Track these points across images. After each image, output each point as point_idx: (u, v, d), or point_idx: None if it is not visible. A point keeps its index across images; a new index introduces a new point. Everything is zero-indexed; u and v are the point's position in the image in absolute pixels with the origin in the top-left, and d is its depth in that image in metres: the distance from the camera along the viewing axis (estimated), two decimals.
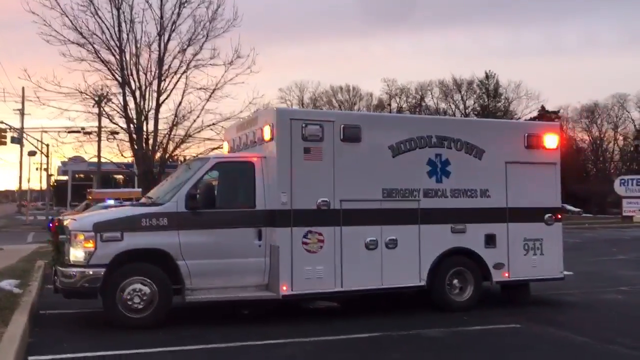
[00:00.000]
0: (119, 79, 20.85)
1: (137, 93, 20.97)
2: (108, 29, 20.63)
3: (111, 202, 19.63)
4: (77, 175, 62.05)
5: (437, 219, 9.63)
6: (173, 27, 21.08)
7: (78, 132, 27.33)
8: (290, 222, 8.80)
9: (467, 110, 71.22)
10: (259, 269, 8.84)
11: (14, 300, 9.23)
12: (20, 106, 48.30)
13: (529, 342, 7.91)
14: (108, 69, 20.81)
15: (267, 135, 9.12)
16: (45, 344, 7.40)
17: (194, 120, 21.57)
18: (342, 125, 9.25)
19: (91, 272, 8.15)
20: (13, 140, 42.32)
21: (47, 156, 46.08)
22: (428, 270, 9.52)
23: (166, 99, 21.34)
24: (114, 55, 20.78)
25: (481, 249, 9.87)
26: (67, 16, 20.13)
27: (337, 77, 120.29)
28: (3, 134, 39.40)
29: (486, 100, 71.72)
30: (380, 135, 9.54)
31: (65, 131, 26.95)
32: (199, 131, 21.95)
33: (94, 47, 20.53)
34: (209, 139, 22.76)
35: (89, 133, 28.89)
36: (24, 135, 43.14)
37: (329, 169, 9.09)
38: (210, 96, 21.29)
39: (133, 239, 8.34)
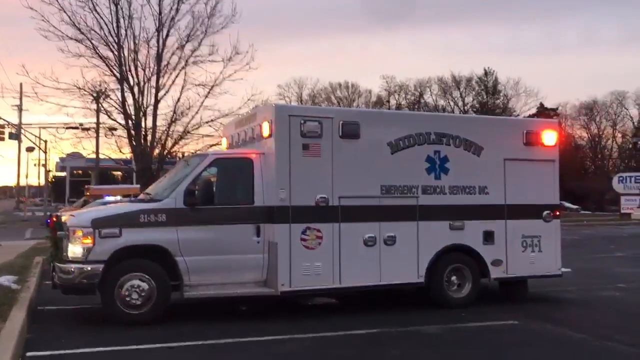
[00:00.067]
0: (118, 75, 20.81)
1: (136, 89, 20.94)
2: (106, 25, 20.58)
3: (110, 198, 19.60)
4: (75, 172, 62.04)
5: (436, 216, 9.63)
6: (171, 23, 21.04)
7: (76, 128, 27.28)
8: (289, 219, 8.80)
9: (466, 107, 71.24)
10: (257, 265, 8.84)
11: (12, 296, 9.23)
12: (18, 102, 47.98)
13: (526, 338, 7.93)
14: (106, 65, 20.78)
15: (265, 131, 9.11)
16: (44, 340, 7.40)
17: (193, 117, 21.55)
18: (341, 122, 9.25)
19: (89, 268, 8.15)
20: (11, 136, 42.29)
21: (45, 152, 46.03)
22: (426, 267, 9.53)
23: (165, 95, 21.31)
24: (112, 51, 20.74)
25: (479, 245, 9.88)
26: (65, 12, 20.08)
27: (336, 74, 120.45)
28: (1, 129, 39.40)
29: (485, 97, 71.71)
30: (379, 132, 9.53)
31: (64, 127, 26.95)
32: (198, 127, 21.95)
33: (92, 43, 20.49)
34: (207, 136, 22.77)
35: (87, 129, 28.86)
36: (22, 131, 43.08)
37: (327, 165, 9.09)
38: (208, 92, 21.27)
39: (131, 235, 8.33)
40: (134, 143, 21.23)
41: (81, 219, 8.57)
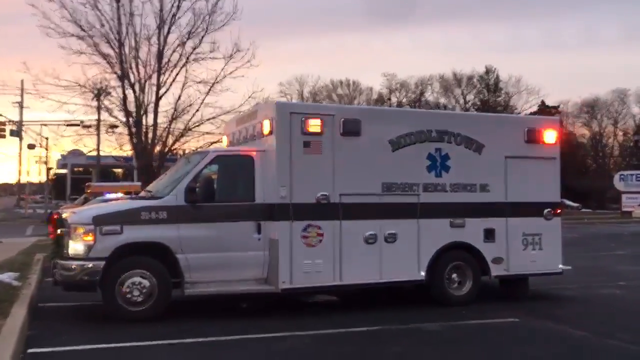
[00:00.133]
0: (118, 72, 20.85)
1: (137, 86, 20.98)
2: (107, 22, 20.63)
3: (111, 195, 19.56)
4: (76, 169, 61.97)
5: (437, 214, 9.63)
6: (173, 20, 21.09)
7: (77, 125, 27.34)
8: (290, 216, 8.80)
9: (467, 105, 71.08)
10: (258, 262, 8.85)
11: (13, 292, 9.24)
12: (19, 99, 48.14)
13: (527, 336, 7.93)
14: (107, 62, 20.82)
15: (266, 129, 9.11)
16: (45, 337, 7.41)
17: (194, 114, 21.60)
18: (342, 119, 9.24)
19: (90, 265, 8.15)
20: (12, 133, 42.31)
21: (46, 149, 46.13)
22: (427, 264, 9.53)
23: (165, 92, 21.36)
24: (113, 49, 20.79)
25: (480, 243, 9.88)
26: (66, 9, 20.15)
27: (337, 72, 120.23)
28: (2, 127, 39.42)
29: (486, 95, 71.55)
30: (380, 129, 9.52)
31: (65, 124, 26.99)
32: (199, 125, 21.99)
33: (93, 40, 20.54)
34: (208, 133, 22.79)
35: (88, 126, 28.90)
36: (23, 128, 43.16)
37: (328, 162, 9.08)
38: (209, 90, 21.31)
39: (132, 232, 8.34)
40: (135, 140, 21.28)
41: (82, 216, 8.58)
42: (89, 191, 32.48)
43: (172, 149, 22.55)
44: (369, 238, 9.24)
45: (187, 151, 21.19)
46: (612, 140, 75.55)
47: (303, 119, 9.01)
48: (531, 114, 58.87)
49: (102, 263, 8.15)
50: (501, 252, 10.02)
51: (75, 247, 8.28)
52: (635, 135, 66.78)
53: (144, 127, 21.27)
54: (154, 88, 21.06)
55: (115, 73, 20.92)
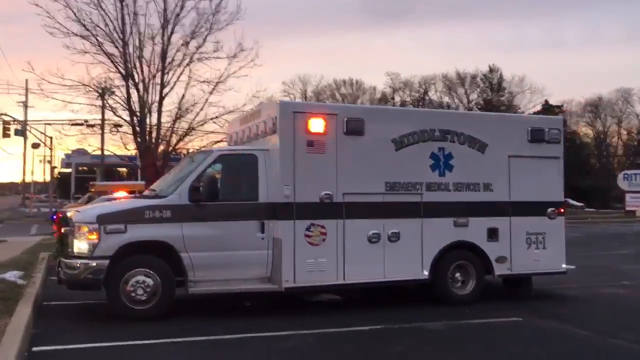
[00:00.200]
0: (123, 71, 20.84)
1: (141, 86, 20.97)
2: (111, 22, 20.62)
3: (121, 194, 19.52)
4: (80, 168, 62.14)
5: (440, 213, 9.63)
6: (176, 20, 21.06)
7: (81, 124, 27.39)
8: (293, 215, 8.82)
9: (470, 104, 70.98)
10: (261, 261, 8.86)
11: (18, 291, 9.29)
12: (24, 98, 48.38)
13: (530, 335, 7.93)
14: (111, 61, 20.81)
15: (270, 128, 9.13)
16: (49, 335, 7.45)
17: (197, 113, 21.59)
18: (345, 119, 9.25)
19: (95, 264, 8.19)
20: (17, 132, 42.38)
21: (50, 149, 46.17)
22: (430, 263, 9.53)
23: (169, 91, 21.35)
24: (117, 48, 20.77)
25: (484, 242, 9.88)
26: (70, 8, 20.13)
27: (340, 71, 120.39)
28: (7, 126, 39.49)
29: (490, 94, 71.44)
30: (383, 129, 9.53)
31: (69, 124, 27.02)
32: (202, 124, 21.97)
33: (97, 40, 20.53)
34: (212, 132, 22.78)
35: (93, 126, 28.96)
36: (28, 127, 43.23)
37: (331, 162, 9.09)
38: (213, 89, 21.29)
39: (136, 231, 8.37)
40: (139, 139, 21.28)
41: (87, 215, 8.61)
42: (93, 190, 32.61)
43: (175, 148, 22.57)
44: (372, 237, 9.25)
45: (190, 150, 21.21)
46: (616, 140, 75.41)
47: (306, 118, 9.02)
48: (535, 113, 58.79)
49: (106, 262, 8.18)
50: (505, 252, 10.02)
51: (80, 245, 8.32)
52: (639, 134, 66.59)
53: (147, 126, 21.29)
54: (158, 87, 21.07)
55: (120, 72, 20.93)
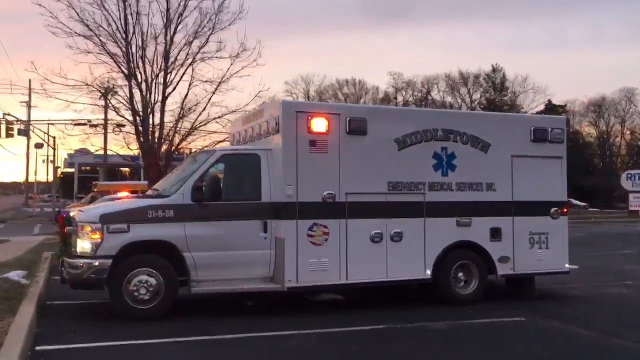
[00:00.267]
0: (125, 71, 20.84)
1: (143, 85, 20.95)
2: (114, 22, 20.59)
3: (123, 194, 19.52)
4: (83, 168, 62.26)
5: (443, 212, 9.62)
6: (179, 20, 21.04)
7: (84, 124, 27.41)
8: (296, 215, 8.82)
9: (473, 104, 70.90)
10: (264, 261, 8.87)
11: (22, 290, 9.31)
12: (27, 98, 48.45)
13: (533, 335, 7.92)
14: (114, 61, 20.78)
15: (272, 127, 9.13)
16: (52, 334, 7.46)
17: (200, 113, 21.55)
18: (348, 118, 9.25)
19: (98, 263, 8.20)
20: (20, 132, 42.47)
21: (53, 148, 46.31)
22: (433, 263, 9.53)
23: (172, 91, 21.32)
24: (120, 48, 20.76)
25: (486, 242, 9.87)
26: (73, 8, 20.11)
27: (343, 71, 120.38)
28: (10, 126, 39.57)
29: (493, 93, 71.35)
30: (386, 128, 9.53)
31: (72, 123, 27.05)
32: (205, 124, 21.94)
33: (100, 40, 20.51)
34: (214, 132, 22.78)
35: (95, 125, 28.99)
36: (31, 127, 43.31)
37: (334, 161, 9.09)
38: (216, 89, 21.25)
39: (139, 231, 8.38)
40: (142, 139, 21.28)
41: (90, 215, 8.63)
42: (95, 190, 32.68)
43: (178, 147, 22.54)
44: (375, 237, 9.25)
45: (193, 150, 21.23)
46: (619, 139, 75.28)
47: (309, 117, 9.02)
48: (537, 113, 58.65)
49: (109, 261, 8.19)
50: (507, 251, 10.01)
51: (83, 245, 8.33)
52: None
53: (150, 126, 21.30)
54: (161, 87, 21.04)
55: (122, 72, 20.91)
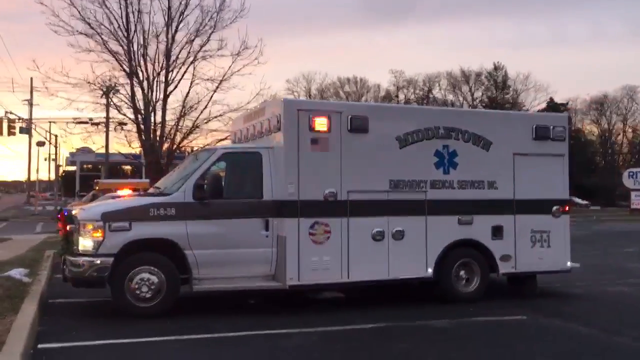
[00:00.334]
0: (127, 69, 20.89)
1: (145, 84, 21.01)
2: (116, 20, 20.66)
3: (125, 192, 19.48)
4: (85, 166, 62.33)
5: (444, 211, 9.62)
6: (181, 18, 21.09)
7: (86, 122, 27.50)
8: (297, 213, 8.82)
9: (475, 102, 70.78)
10: (266, 259, 8.87)
11: (24, 289, 9.33)
12: (28, 96, 48.50)
13: (535, 333, 7.91)
14: (116, 59, 20.86)
15: (274, 126, 9.13)
16: (55, 332, 7.47)
17: (202, 111, 21.63)
18: (350, 116, 9.24)
19: (99, 262, 8.21)
20: (22, 130, 42.51)
21: (55, 147, 46.42)
22: (435, 261, 9.53)
23: (174, 89, 21.39)
24: (121, 46, 20.82)
25: (488, 240, 9.87)
26: (75, 7, 20.19)
27: (344, 69, 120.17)
28: (12, 124, 39.61)
29: (494, 92, 71.24)
30: (387, 126, 9.52)
31: (74, 122, 27.13)
32: (207, 122, 22.02)
33: (102, 38, 20.58)
34: (216, 130, 22.82)
35: (97, 124, 29.07)
36: (33, 125, 43.35)
37: (336, 159, 9.09)
38: (217, 87, 21.32)
39: (141, 229, 8.39)
40: (143, 137, 21.34)
41: (91, 213, 8.63)
42: (97, 188, 32.70)
43: (180, 146, 22.59)
44: (377, 235, 9.25)
45: (195, 148, 21.24)
46: (621, 138, 75.14)
47: (310, 116, 9.01)
48: (539, 111, 58.58)
49: (111, 259, 8.20)
50: (509, 250, 10.00)
51: (85, 243, 8.34)
52: None
53: (152, 124, 21.33)
54: (162, 85, 21.10)
55: (124, 70, 20.98)
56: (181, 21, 21.13)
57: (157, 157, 21.41)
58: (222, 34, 21.15)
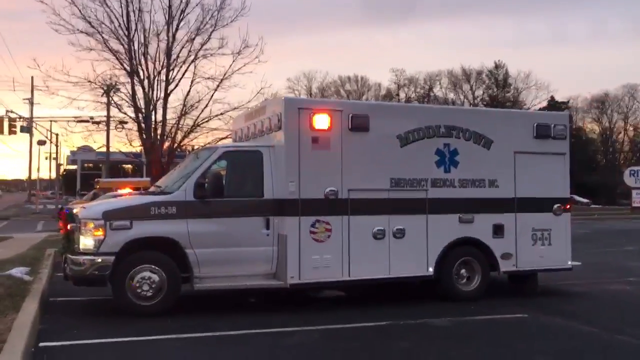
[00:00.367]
0: (128, 68, 20.87)
1: (146, 82, 20.99)
2: (117, 18, 20.63)
3: (126, 191, 19.52)
4: (85, 165, 62.43)
5: (445, 209, 9.62)
6: (181, 16, 21.05)
7: (87, 121, 27.47)
8: (298, 212, 8.82)
9: (476, 101, 70.79)
10: (266, 257, 8.87)
11: (25, 287, 9.33)
12: (29, 95, 48.50)
13: (536, 332, 7.91)
14: (117, 58, 20.83)
15: (275, 124, 9.13)
16: (56, 331, 7.48)
17: (202, 110, 21.60)
18: (351, 115, 9.24)
19: (100, 260, 8.21)
20: (22, 129, 42.55)
21: (56, 145, 46.42)
22: (436, 259, 9.52)
23: (174, 88, 21.36)
24: (122, 45, 20.79)
25: (489, 239, 9.86)
26: (75, 5, 20.16)
27: (345, 67, 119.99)
28: (13, 123, 39.62)
29: (495, 90, 71.23)
30: (388, 125, 9.51)
31: (74, 120, 27.09)
32: (207, 121, 21.99)
33: (102, 37, 20.55)
34: (217, 129, 22.82)
35: (98, 122, 29.03)
36: (34, 124, 43.36)
37: (337, 158, 9.09)
38: (218, 86, 21.29)
39: (142, 227, 8.39)
40: (144, 136, 21.32)
41: (92, 211, 8.64)
42: (98, 187, 32.72)
43: (181, 144, 22.58)
44: (378, 233, 9.24)
45: (196, 147, 21.23)
46: (622, 136, 75.15)
47: (311, 114, 9.01)
48: (540, 109, 58.60)
49: (112, 258, 8.21)
50: (510, 248, 10.00)
51: (86, 242, 8.34)
52: None
53: (153, 123, 21.32)
54: (163, 84, 21.08)
55: (125, 69, 20.95)
56: (182, 20, 21.10)
57: (157, 155, 21.39)
58: (222, 32, 21.13)
